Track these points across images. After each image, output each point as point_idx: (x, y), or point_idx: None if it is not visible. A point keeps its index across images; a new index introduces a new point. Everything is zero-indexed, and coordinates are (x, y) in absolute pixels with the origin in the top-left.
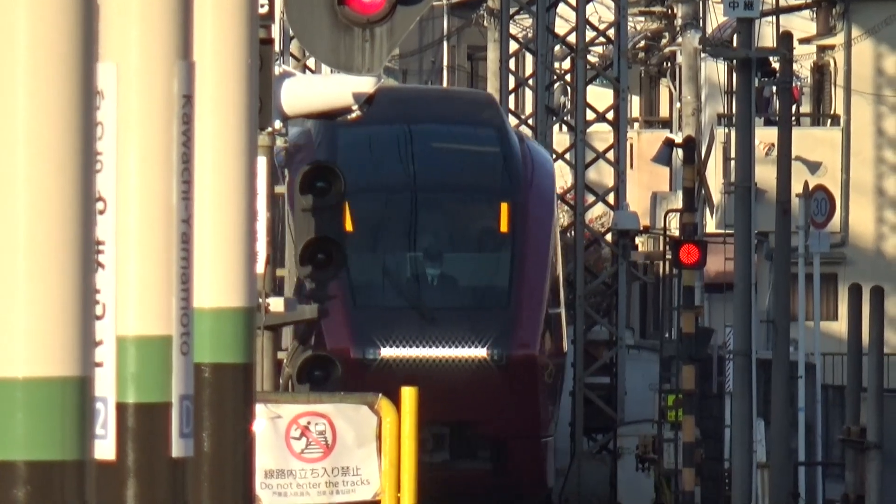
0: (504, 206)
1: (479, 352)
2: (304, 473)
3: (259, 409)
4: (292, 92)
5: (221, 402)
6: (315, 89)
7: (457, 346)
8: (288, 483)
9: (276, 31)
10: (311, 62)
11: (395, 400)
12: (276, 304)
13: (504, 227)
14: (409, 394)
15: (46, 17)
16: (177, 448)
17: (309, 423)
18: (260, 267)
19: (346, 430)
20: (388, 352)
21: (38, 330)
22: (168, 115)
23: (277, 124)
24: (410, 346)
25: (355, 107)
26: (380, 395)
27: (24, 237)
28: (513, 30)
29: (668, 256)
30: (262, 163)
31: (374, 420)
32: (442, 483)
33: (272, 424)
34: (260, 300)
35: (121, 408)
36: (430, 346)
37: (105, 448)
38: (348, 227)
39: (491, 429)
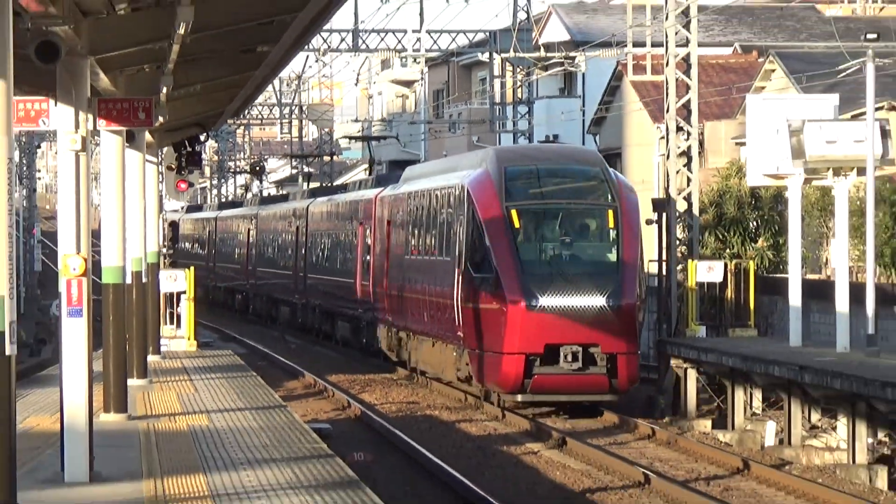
0: (610, 212)
1: (600, 300)
2: None
3: None
4: None
5: None
6: None
7: (586, 297)
8: None
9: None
10: None
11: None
12: None
13: (611, 225)
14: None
15: None
16: (8, 349)
17: None
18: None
19: None
20: (544, 301)
21: None
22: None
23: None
24: (557, 297)
25: None
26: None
27: None
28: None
29: None
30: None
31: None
32: (576, 382)
33: None
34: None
35: None
36: (570, 297)
37: None
38: (517, 225)
39: (606, 348)
